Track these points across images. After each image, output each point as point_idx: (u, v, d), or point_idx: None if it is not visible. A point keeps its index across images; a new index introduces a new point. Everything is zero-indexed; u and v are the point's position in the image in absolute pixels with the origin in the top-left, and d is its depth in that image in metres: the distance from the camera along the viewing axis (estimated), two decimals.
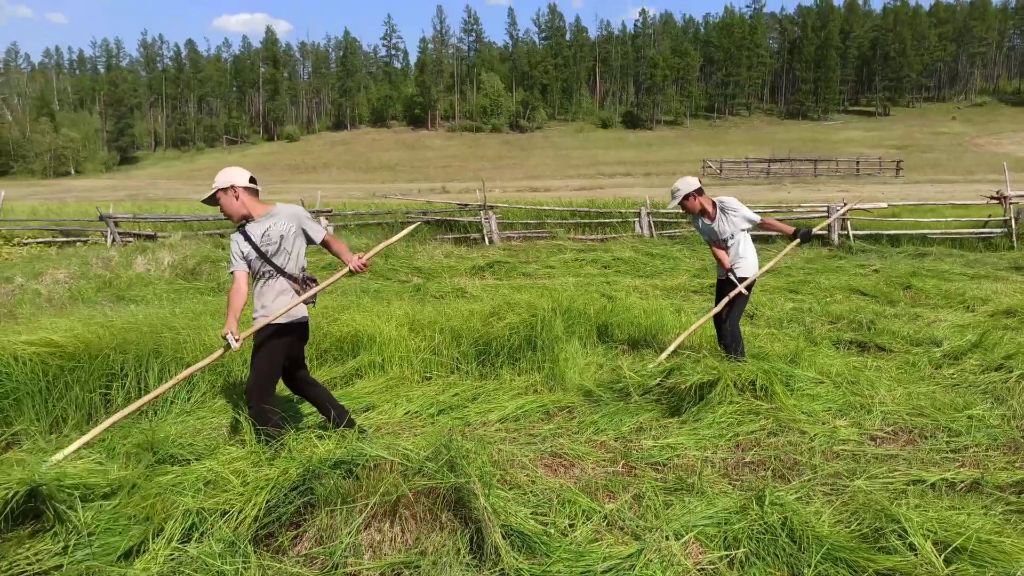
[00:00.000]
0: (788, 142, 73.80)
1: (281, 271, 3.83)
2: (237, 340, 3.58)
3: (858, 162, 50.98)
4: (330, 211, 17.19)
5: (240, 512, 2.87)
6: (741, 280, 5.48)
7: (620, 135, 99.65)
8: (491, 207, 16.83)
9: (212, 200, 3.88)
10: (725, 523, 3.03)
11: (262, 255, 3.79)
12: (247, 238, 3.80)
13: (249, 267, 3.83)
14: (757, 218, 5.68)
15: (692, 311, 7.78)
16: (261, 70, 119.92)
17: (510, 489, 3.39)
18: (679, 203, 5.57)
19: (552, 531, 3.01)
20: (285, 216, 3.87)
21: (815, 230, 5.88)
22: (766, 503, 3.08)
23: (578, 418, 4.61)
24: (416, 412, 4.84)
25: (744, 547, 2.85)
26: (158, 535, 2.86)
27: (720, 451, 4.01)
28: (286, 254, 3.84)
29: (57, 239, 17.47)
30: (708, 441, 4.13)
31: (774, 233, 5.78)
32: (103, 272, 11.19)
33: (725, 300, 5.56)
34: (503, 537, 2.81)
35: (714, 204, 5.61)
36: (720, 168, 51.09)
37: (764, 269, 5.73)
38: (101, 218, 16.98)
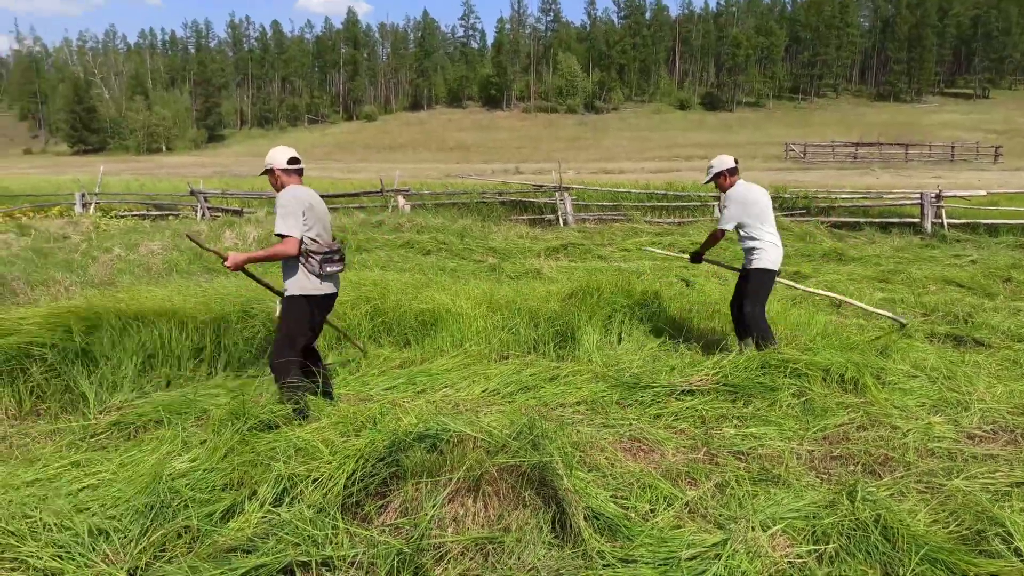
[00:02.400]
0: (878, 125, 70.47)
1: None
2: (228, 260, 3.80)
3: (953, 147, 48.22)
4: (407, 190, 17.42)
5: (330, 479, 2.96)
6: (748, 271, 5.33)
7: (699, 117, 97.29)
8: (566, 188, 16.72)
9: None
10: (814, 517, 2.94)
11: None
12: None
13: None
14: (719, 226, 5.42)
15: (774, 298, 7.55)
16: (342, 51, 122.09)
17: (590, 471, 3.38)
18: (711, 179, 5.45)
19: (633, 515, 2.99)
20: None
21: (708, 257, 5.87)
22: (857, 498, 2.98)
23: (657, 404, 4.54)
24: (494, 390, 4.87)
25: (834, 543, 2.76)
26: (252, 497, 2.98)
27: (806, 443, 3.89)
28: None
29: (151, 212, 18.34)
30: (793, 432, 4.01)
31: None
32: (194, 245, 11.66)
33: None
34: (585, 519, 2.81)
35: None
36: (804, 151, 49.27)
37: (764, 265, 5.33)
38: (192, 193, 17.71)
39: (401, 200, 16.84)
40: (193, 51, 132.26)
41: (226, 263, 3.78)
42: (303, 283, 3.97)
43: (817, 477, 3.50)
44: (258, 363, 5.28)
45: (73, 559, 2.61)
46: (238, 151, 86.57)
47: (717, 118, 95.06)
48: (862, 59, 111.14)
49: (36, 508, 2.88)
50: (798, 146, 50.34)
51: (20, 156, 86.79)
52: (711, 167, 5.45)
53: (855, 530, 2.81)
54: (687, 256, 5.90)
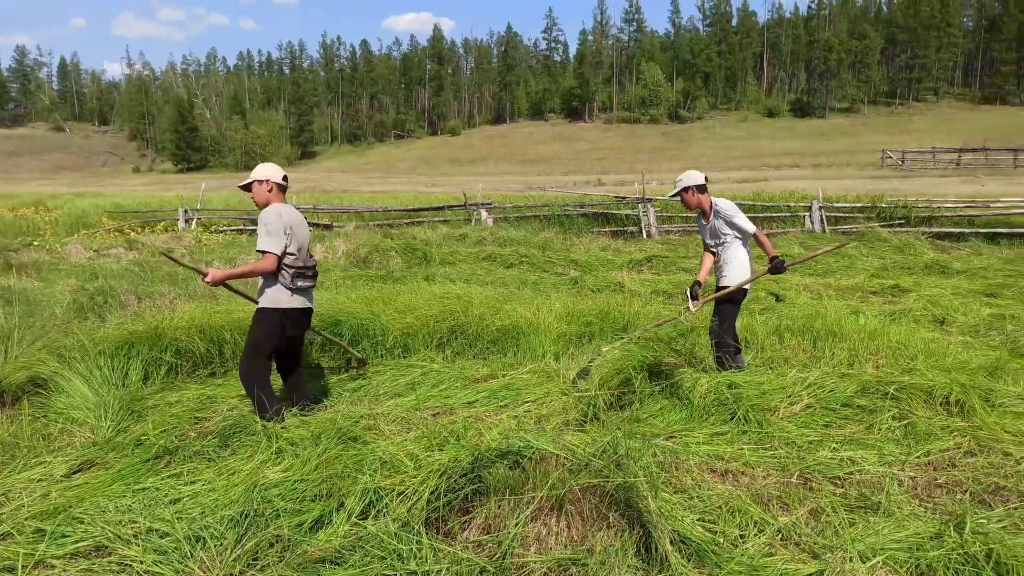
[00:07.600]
0: (983, 130, 66.43)
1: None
2: (207, 276, 3.85)
3: None
4: (490, 203, 17.60)
5: (414, 494, 2.99)
6: (720, 289, 5.17)
7: (788, 124, 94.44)
8: (649, 200, 16.52)
9: (247, 187, 4.24)
10: (917, 549, 2.77)
11: None
12: None
13: None
14: (750, 229, 5.08)
15: (872, 314, 7.22)
16: (427, 67, 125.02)
17: (675, 493, 3.31)
18: (677, 193, 5.31)
19: (722, 540, 2.90)
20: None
21: (788, 264, 5.04)
22: (966, 530, 2.79)
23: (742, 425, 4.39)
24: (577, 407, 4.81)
25: None
26: (340, 509, 3.04)
27: (908, 468, 3.68)
28: None
29: (248, 227, 19.14)
30: (894, 457, 3.80)
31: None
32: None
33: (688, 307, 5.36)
34: (671, 543, 2.74)
35: (711, 205, 5.26)
36: (902, 158, 47.04)
37: (741, 282, 5.10)
38: None
39: (484, 213, 17.03)
40: (287, 71, 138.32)
41: (205, 279, 3.85)
42: (275, 296, 4.12)
43: (921, 506, 3.30)
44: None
45: (171, 564, 2.73)
46: (328, 167, 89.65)
47: (808, 125, 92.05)
48: (965, 61, 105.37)
49: (141, 513, 3.04)
50: (896, 153, 48.15)
51: (130, 174, 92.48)
52: (679, 180, 5.31)
53: (964, 564, 2.63)
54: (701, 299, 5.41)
